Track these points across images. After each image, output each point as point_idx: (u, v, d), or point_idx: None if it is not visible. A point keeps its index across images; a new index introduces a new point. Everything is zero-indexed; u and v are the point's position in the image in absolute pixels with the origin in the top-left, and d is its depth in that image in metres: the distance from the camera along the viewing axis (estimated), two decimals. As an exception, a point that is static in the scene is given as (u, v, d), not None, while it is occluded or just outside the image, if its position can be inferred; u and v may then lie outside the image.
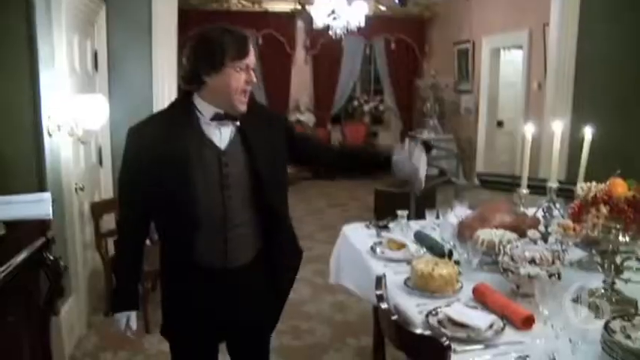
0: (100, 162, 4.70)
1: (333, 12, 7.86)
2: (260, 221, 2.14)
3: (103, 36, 4.70)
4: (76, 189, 3.75)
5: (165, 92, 4.88)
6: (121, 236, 2.20)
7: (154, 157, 1.99)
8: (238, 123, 2.07)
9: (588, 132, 2.60)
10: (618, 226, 1.98)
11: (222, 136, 2.05)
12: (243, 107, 2.02)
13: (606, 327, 1.72)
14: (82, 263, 3.87)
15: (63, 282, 2.61)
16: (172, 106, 2.17)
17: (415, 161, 2.30)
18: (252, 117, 2.10)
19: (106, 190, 4.79)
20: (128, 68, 4.84)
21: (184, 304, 2.18)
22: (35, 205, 2.54)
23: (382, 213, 3.06)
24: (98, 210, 4.01)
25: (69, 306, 3.57)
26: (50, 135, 3.31)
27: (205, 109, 2.03)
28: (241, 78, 1.98)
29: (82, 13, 4.12)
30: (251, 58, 2.00)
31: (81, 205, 3.99)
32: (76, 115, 3.60)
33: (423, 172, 2.33)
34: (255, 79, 2.02)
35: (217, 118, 2.03)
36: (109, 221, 4.54)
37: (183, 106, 2.07)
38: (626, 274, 2.07)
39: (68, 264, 3.23)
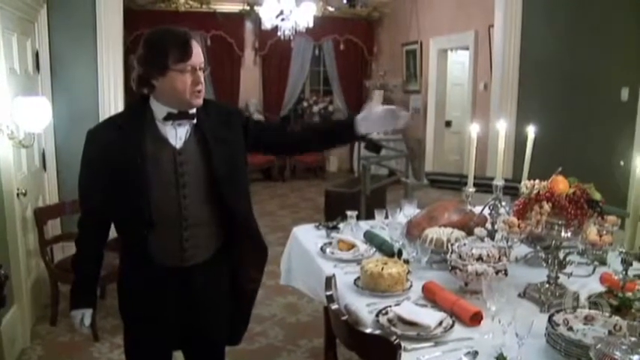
0: (44, 166, 4.56)
1: (281, 13, 7.83)
2: (219, 220, 2.15)
3: (45, 36, 4.57)
4: (17, 194, 3.62)
5: (111, 93, 4.78)
6: (81, 235, 2.18)
7: (111, 158, 2.00)
8: (195, 121, 2.06)
9: (531, 131, 2.66)
10: (560, 222, 2.04)
11: (178, 135, 2.05)
12: (198, 101, 2.02)
13: (550, 320, 1.77)
14: (25, 271, 3.73)
15: (3, 292, 2.52)
16: (129, 108, 2.20)
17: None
18: (208, 115, 2.12)
19: (51, 195, 4.65)
20: (72, 69, 4.71)
21: (140, 303, 2.17)
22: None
23: (332, 214, 3.07)
24: (42, 216, 3.88)
25: (11, 317, 3.44)
26: (-12, 138, 3.19)
27: (159, 109, 2.03)
28: (187, 80, 1.95)
29: (21, 10, 3.98)
30: (195, 59, 1.96)
31: (24, 211, 3.86)
32: (17, 118, 3.48)
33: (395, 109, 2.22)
34: (202, 80, 1.99)
35: (170, 118, 2.03)
36: (54, 227, 4.42)
37: (139, 107, 2.07)
38: (568, 269, 2.13)
39: (9, 273, 3.11)
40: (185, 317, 2.18)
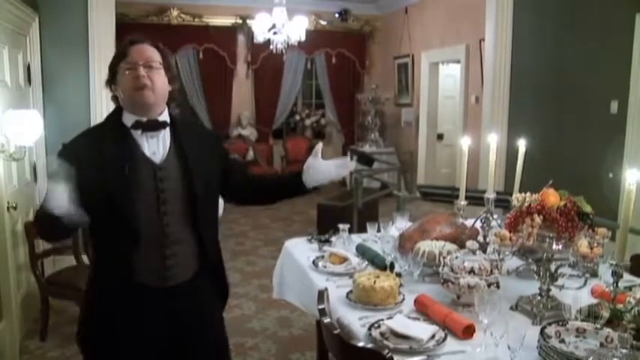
0: (35, 179, 4.54)
1: (273, 26, 7.87)
2: (196, 238, 2.10)
3: (37, 49, 4.56)
4: (8, 208, 3.60)
5: (103, 107, 4.78)
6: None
7: (88, 173, 1.91)
8: (168, 129, 2.05)
9: (522, 144, 2.68)
10: (552, 235, 2.05)
11: (151, 149, 2.02)
12: (143, 98, 1.97)
13: (542, 332, 1.77)
14: (14, 286, 3.70)
15: (-7, 306, 2.50)
16: (106, 120, 2.15)
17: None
18: (190, 132, 2.12)
19: (41, 208, 4.62)
20: (64, 83, 4.71)
21: (116, 327, 2.04)
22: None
23: (325, 227, 3.06)
24: (33, 229, 3.85)
25: None
26: (-22, 152, 3.18)
27: (128, 118, 2.02)
28: (129, 77, 1.95)
29: (12, 23, 3.98)
30: (134, 57, 1.95)
31: (14, 225, 3.83)
32: (7, 131, 3.47)
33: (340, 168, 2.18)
34: (142, 74, 1.94)
35: (139, 126, 2.00)
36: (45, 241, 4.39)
37: (115, 119, 2.05)
38: (560, 281, 2.14)
39: (-1, 287, 3.09)
40: (170, 339, 2.08)
